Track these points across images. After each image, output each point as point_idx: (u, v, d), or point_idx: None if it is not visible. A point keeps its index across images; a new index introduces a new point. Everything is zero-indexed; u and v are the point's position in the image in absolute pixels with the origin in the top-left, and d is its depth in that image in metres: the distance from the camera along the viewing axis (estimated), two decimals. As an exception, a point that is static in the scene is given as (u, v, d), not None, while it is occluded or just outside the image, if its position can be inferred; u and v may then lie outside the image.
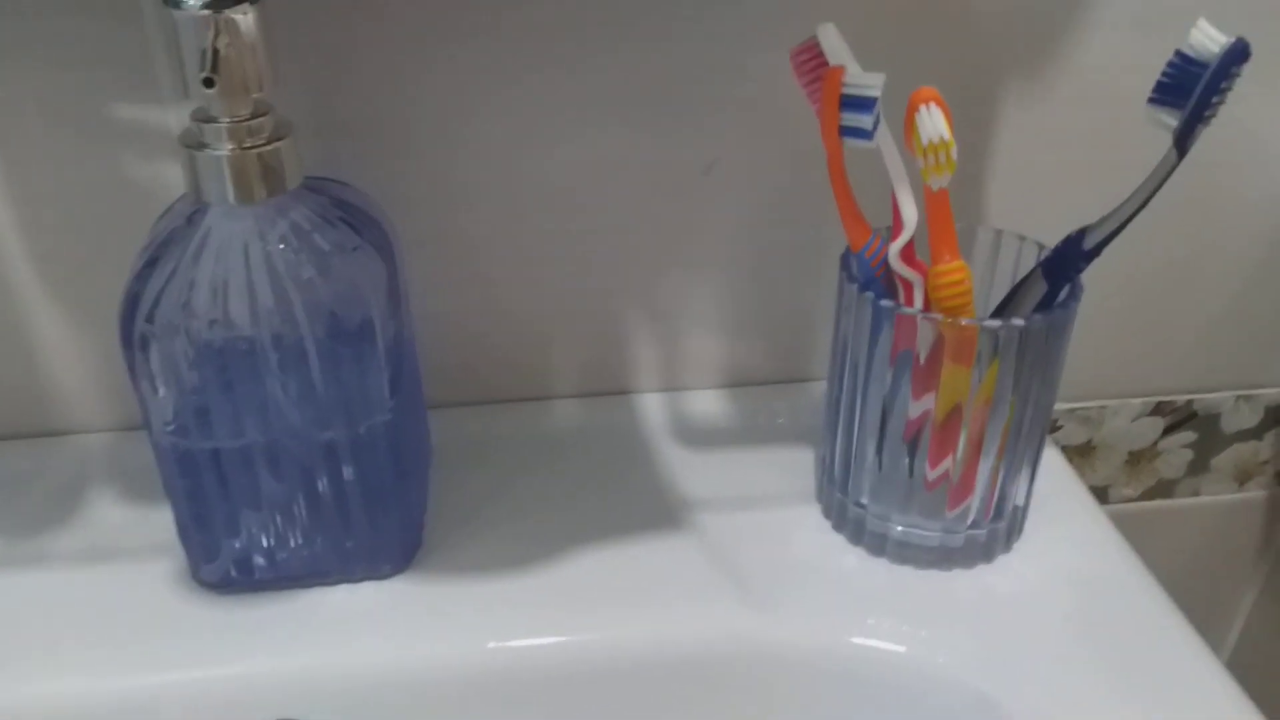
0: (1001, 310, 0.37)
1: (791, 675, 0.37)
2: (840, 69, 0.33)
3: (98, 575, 0.38)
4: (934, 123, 0.32)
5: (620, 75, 0.41)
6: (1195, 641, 0.36)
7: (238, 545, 0.37)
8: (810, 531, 0.41)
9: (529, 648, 0.36)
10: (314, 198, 0.34)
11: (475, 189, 0.43)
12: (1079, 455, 0.54)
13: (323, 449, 0.35)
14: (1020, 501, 0.39)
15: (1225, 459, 0.56)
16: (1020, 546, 0.40)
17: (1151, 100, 0.32)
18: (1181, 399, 0.54)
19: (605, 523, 0.41)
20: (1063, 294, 0.36)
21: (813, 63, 0.35)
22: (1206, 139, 0.32)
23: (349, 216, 0.35)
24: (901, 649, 0.36)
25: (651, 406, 0.48)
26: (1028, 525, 0.40)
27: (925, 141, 0.32)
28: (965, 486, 0.37)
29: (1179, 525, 0.58)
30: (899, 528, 0.39)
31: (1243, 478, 0.57)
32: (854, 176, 0.36)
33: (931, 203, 0.34)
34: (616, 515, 0.41)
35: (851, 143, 0.34)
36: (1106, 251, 0.35)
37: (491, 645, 0.36)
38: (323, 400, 0.34)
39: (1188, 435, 0.55)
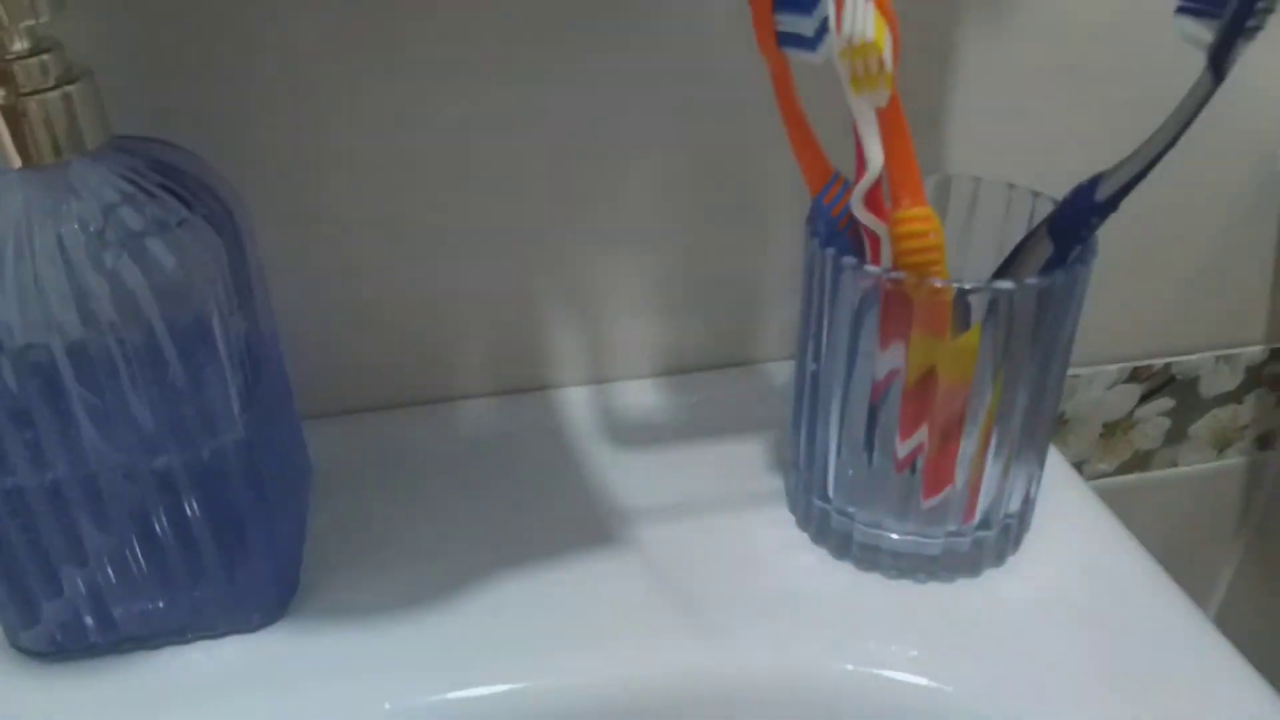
0: (1000, 276, 0.31)
1: (761, 714, 0.31)
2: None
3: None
4: (860, 15, 0.25)
5: (520, 14, 0.34)
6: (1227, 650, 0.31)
7: (62, 604, 0.29)
8: (772, 538, 0.35)
9: (437, 705, 0.30)
10: (123, 160, 0.27)
11: (348, 155, 0.36)
12: (1051, 430, 0.49)
13: (156, 481, 0.28)
14: (1014, 508, 0.33)
15: (1203, 426, 0.52)
16: (1014, 560, 0.34)
17: (1181, 9, 0.26)
18: (1159, 363, 0.49)
19: (527, 545, 0.34)
20: (1072, 257, 0.30)
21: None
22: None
23: (173, 183, 0.27)
24: (868, 671, 0.31)
25: (575, 402, 0.41)
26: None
27: (846, 40, 0.25)
28: (943, 470, 0.31)
29: (1156, 498, 0.54)
30: (863, 527, 0.33)
31: (1221, 444, 0.53)
32: (813, 109, 0.29)
33: (882, 128, 0.28)
34: (541, 535, 0.35)
35: (795, 54, 0.27)
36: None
37: (389, 706, 0.29)
38: (148, 420, 0.27)
39: (1165, 402, 0.50)
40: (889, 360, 0.30)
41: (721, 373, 0.43)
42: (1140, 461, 0.52)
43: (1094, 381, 0.48)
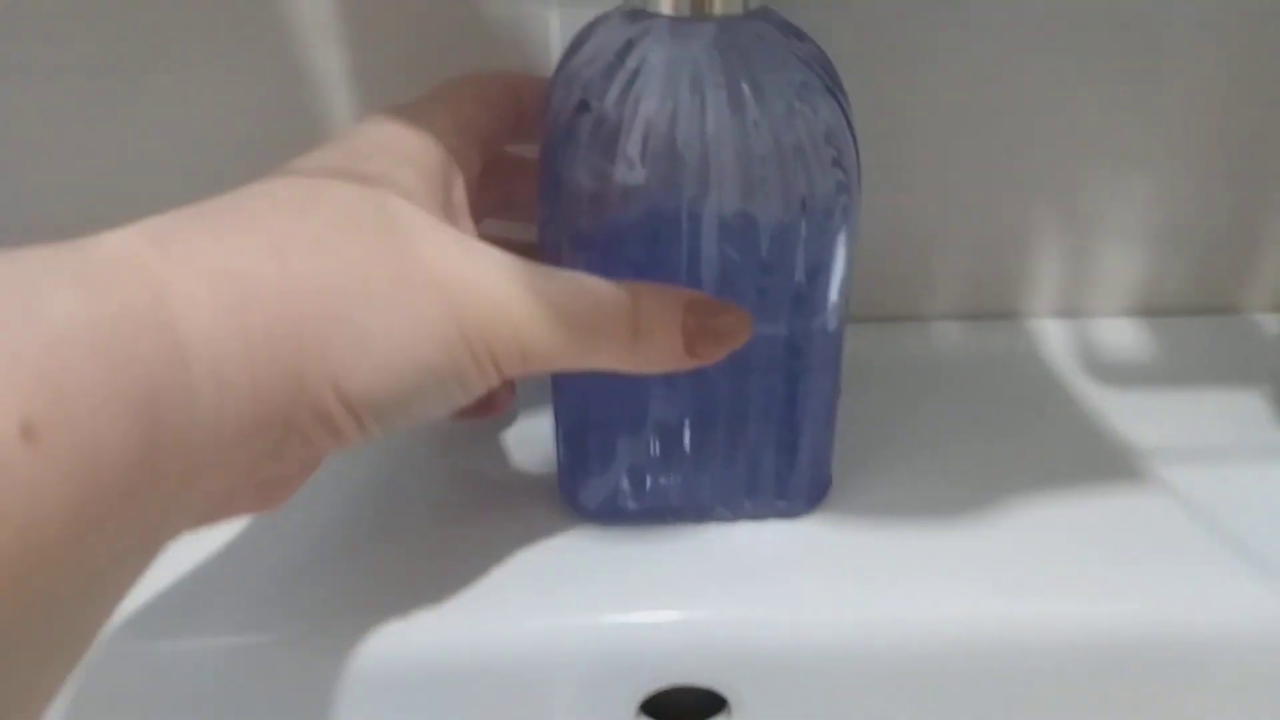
0: None
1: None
2: None
3: (450, 497, 0.32)
4: None
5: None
6: None
7: (618, 469, 0.30)
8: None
9: (989, 616, 0.29)
10: (773, 25, 0.26)
11: (921, 41, 0.35)
12: None
13: (766, 348, 0.27)
14: None
15: None
16: None
17: None
18: None
19: (1035, 468, 0.33)
20: None
21: None
22: None
23: (808, 52, 0.27)
24: None
25: (1050, 334, 0.40)
26: None
27: None
28: None
29: None
30: None
31: None
32: None
33: None
34: (1045, 460, 0.33)
35: None
36: None
37: (928, 615, 0.29)
38: (764, 286, 0.26)
39: None
40: None
41: (1203, 319, 0.40)
42: None
43: None
